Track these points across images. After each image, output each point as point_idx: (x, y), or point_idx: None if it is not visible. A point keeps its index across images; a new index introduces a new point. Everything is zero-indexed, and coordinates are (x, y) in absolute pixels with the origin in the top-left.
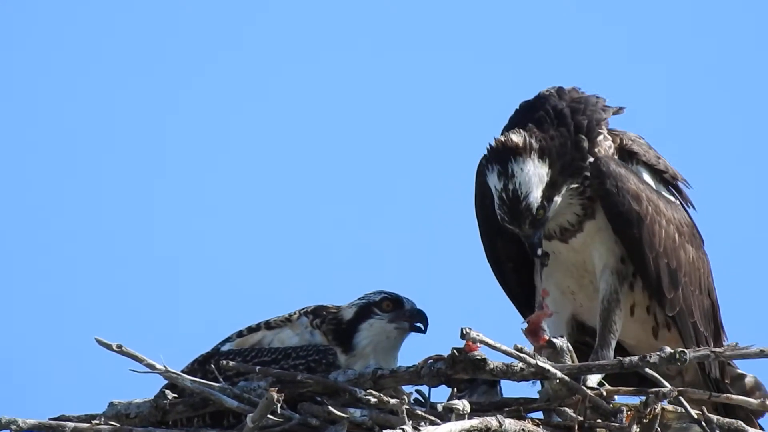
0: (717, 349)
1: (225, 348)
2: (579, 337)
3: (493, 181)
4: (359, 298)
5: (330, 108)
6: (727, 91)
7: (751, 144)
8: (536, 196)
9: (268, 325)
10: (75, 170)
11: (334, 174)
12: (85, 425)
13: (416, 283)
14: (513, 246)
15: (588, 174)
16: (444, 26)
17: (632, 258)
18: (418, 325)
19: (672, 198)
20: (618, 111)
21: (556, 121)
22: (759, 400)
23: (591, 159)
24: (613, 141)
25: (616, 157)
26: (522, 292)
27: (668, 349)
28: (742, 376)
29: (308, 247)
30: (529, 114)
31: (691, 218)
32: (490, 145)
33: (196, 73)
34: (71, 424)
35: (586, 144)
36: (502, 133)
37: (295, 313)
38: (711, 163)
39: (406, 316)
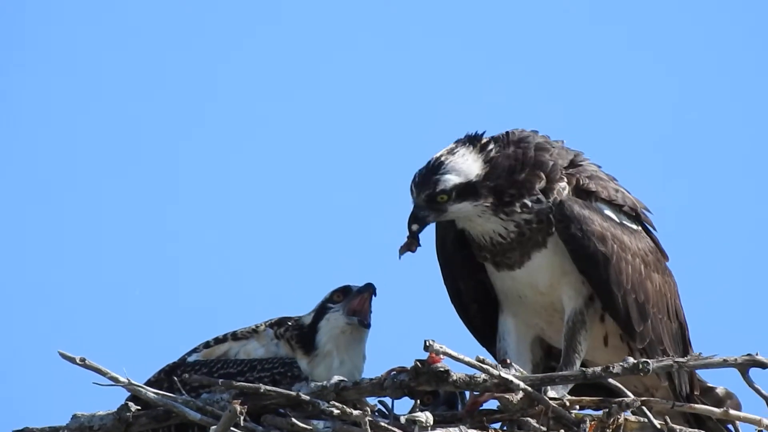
0: (680, 359)
1: (192, 359)
2: (546, 362)
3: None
4: (316, 305)
5: (326, 111)
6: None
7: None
8: (451, 179)
9: (235, 336)
10: (41, 186)
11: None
12: None
13: (379, 294)
14: (476, 287)
15: (538, 210)
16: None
17: (600, 297)
18: (363, 319)
19: (634, 226)
20: (577, 156)
21: (521, 148)
22: (722, 410)
23: (543, 198)
24: (569, 182)
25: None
26: (487, 329)
27: (631, 360)
28: (712, 389)
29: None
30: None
31: (654, 240)
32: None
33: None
34: None
35: (542, 182)
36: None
37: (261, 325)
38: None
39: (355, 295)
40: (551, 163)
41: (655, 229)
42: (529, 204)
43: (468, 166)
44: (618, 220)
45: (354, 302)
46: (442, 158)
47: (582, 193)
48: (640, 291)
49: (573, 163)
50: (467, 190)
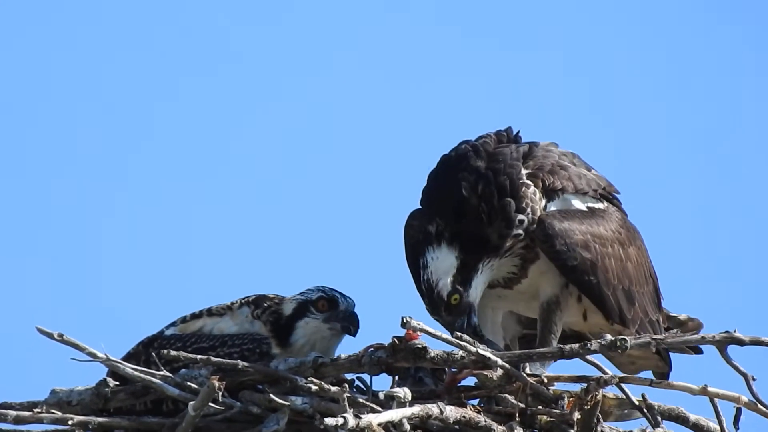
0: (658, 337)
1: (169, 332)
2: (519, 331)
3: (421, 275)
4: (300, 293)
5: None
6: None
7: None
8: (446, 283)
9: (210, 312)
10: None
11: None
12: (27, 413)
13: (358, 272)
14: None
15: (523, 232)
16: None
17: (592, 299)
18: (349, 327)
19: (602, 206)
20: (531, 149)
21: (480, 185)
22: (700, 387)
23: (521, 217)
24: (536, 185)
25: (544, 200)
26: None
27: (609, 337)
28: (676, 316)
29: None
30: (450, 174)
31: (621, 211)
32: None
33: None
34: (13, 412)
35: (513, 206)
36: (422, 223)
37: (236, 302)
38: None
39: (339, 318)
40: (508, 181)
41: (618, 192)
42: (521, 232)
43: (446, 262)
44: (586, 208)
45: (334, 321)
46: (425, 278)
47: (549, 191)
48: (624, 278)
49: (527, 157)
50: (463, 274)
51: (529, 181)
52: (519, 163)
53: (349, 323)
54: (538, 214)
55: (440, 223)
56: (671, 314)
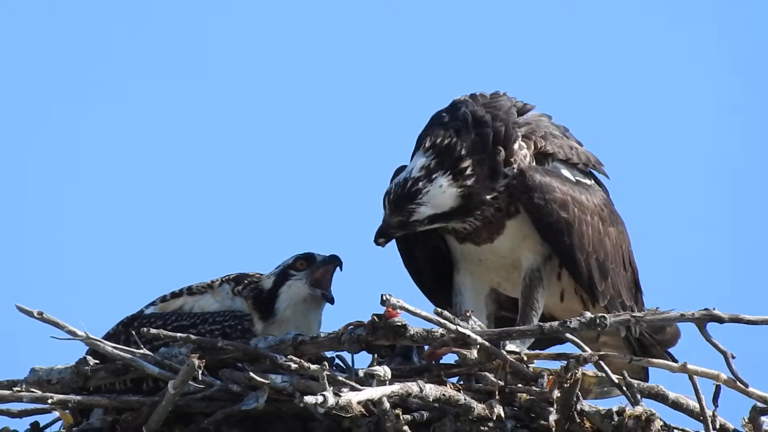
0: (637, 314)
1: (148, 311)
2: (497, 312)
3: (415, 162)
4: (276, 267)
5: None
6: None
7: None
8: (426, 212)
9: (190, 291)
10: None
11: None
12: (7, 392)
13: (337, 250)
14: (431, 251)
15: (507, 184)
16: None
17: (563, 261)
18: (328, 294)
19: (588, 182)
20: (525, 107)
21: (475, 129)
22: (679, 364)
23: (506, 171)
24: (528, 147)
25: (534, 163)
26: (437, 286)
27: (588, 315)
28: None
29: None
30: (447, 111)
31: (605, 191)
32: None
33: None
34: None
35: (502, 156)
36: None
37: (216, 280)
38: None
39: (319, 266)
40: (503, 128)
41: (608, 177)
42: (500, 189)
43: (443, 199)
44: (574, 179)
45: (317, 273)
46: (420, 185)
47: (540, 156)
48: (600, 250)
49: (521, 112)
50: (440, 217)
51: (522, 142)
52: (515, 114)
53: (330, 263)
54: None
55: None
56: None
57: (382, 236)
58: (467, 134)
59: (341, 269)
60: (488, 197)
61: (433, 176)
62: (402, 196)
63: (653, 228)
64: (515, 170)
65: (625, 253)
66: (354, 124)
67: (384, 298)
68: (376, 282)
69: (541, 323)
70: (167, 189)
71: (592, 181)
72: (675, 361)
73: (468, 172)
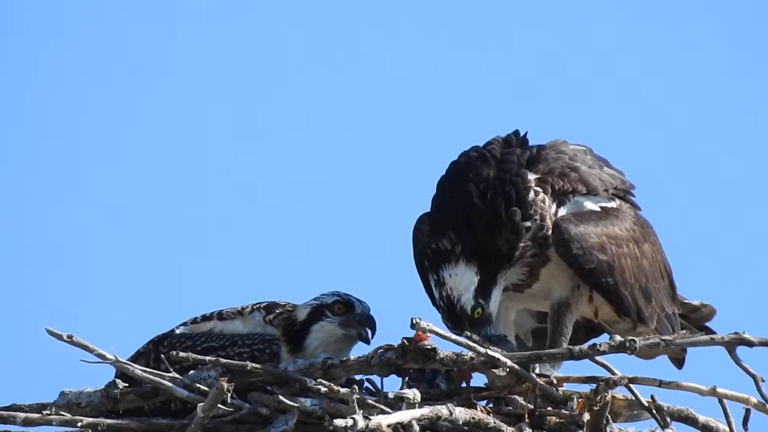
0: (667, 338)
1: (179, 331)
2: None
3: (435, 290)
4: (314, 299)
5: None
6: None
7: None
8: (468, 298)
9: (221, 316)
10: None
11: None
12: (36, 415)
13: (369, 273)
14: None
15: (534, 235)
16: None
17: (610, 301)
18: (365, 334)
19: (614, 205)
20: (538, 152)
21: (488, 195)
22: (709, 388)
23: (528, 224)
24: (544, 191)
25: (555, 206)
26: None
27: (618, 338)
28: (690, 303)
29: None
30: (458, 184)
31: (634, 207)
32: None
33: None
34: (22, 414)
35: (519, 215)
36: (432, 235)
37: (247, 307)
38: None
39: (356, 321)
40: (513, 192)
41: (633, 187)
42: (528, 243)
43: (465, 279)
44: (600, 210)
45: (351, 323)
46: (444, 294)
47: (560, 195)
48: (641, 276)
49: (535, 161)
50: (483, 288)
51: (538, 188)
52: (525, 170)
53: (366, 325)
54: (548, 219)
55: (453, 237)
56: (685, 300)
57: (489, 341)
58: (479, 217)
59: (372, 335)
60: (521, 244)
61: (446, 276)
62: (451, 314)
63: (682, 248)
64: (537, 221)
65: (660, 262)
66: (390, 145)
67: (414, 322)
68: (406, 305)
69: (571, 347)
70: (196, 212)
71: (617, 202)
72: (712, 332)
73: (465, 253)
